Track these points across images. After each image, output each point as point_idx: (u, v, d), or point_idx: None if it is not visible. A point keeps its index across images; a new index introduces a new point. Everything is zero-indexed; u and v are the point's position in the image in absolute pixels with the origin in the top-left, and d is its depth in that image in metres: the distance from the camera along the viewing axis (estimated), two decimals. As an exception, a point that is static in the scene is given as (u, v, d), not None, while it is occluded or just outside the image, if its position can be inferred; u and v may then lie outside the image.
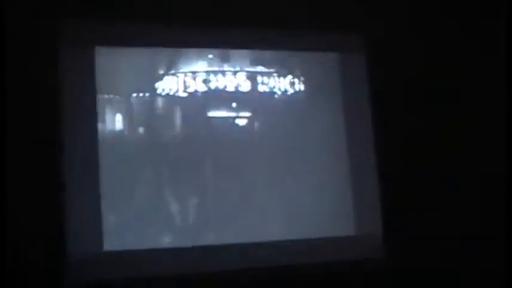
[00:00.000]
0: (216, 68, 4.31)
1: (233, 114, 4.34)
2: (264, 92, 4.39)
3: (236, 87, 4.33)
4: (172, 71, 4.24)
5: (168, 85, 4.21)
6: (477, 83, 4.45)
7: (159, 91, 4.17)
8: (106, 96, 4.01)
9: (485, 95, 4.42)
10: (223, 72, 4.33)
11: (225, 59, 4.35)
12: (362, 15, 4.36)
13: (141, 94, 4.12)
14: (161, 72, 4.23)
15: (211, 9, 4.05)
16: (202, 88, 4.27)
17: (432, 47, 4.48)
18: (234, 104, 4.33)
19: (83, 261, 3.65)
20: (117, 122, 4.02)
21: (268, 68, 4.43)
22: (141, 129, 4.09)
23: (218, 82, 4.31)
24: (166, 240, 3.98)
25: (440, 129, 4.40)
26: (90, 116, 3.82)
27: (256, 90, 4.37)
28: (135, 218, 3.94)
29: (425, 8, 4.49)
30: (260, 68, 4.42)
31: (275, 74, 4.42)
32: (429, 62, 4.45)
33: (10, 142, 3.56)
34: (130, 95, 4.10)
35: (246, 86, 4.36)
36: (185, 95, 4.22)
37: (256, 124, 4.36)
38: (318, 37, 4.30)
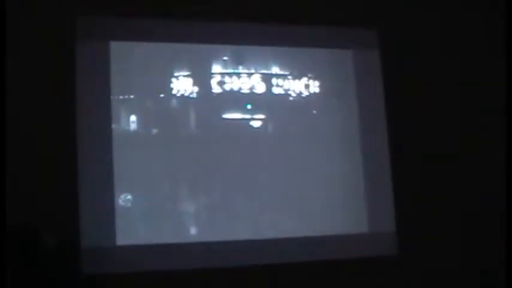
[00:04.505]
0: (231, 70, 4.34)
1: (248, 115, 4.36)
2: (279, 94, 4.40)
3: (251, 89, 4.35)
4: (188, 73, 4.27)
5: (184, 86, 4.25)
6: (491, 81, 4.43)
7: (174, 92, 4.20)
8: (121, 96, 4.04)
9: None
10: (238, 74, 4.36)
11: (239, 61, 4.38)
12: (376, 10, 4.40)
13: (156, 93, 4.15)
14: (176, 73, 4.26)
15: (225, 5, 4.12)
16: (217, 90, 4.29)
17: (447, 42, 4.49)
18: (248, 106, 4.35)
19: (96, 256, 3.70)
20: (131, 120, 4.05)
21: (283, 69, 4.45)
22: (155, 128, 4.12)
23: (233, 84, 4.32)
24: (179, 236, 3.99)
25: (455, 127, 4.39)
26: (105, 111, 3.89)
27: (271, 91, 4.38)
28: (148, 214, 3.97)
29: (440, 3, 4.51)
30: (275, 70, 4.45)
31: (289, 76, 4.44)
32: (443, 58, 4.46)
33: (26, 135, 3.68)
34: (145, 94, 4.13)
35: (260, 88, 4.37)
36: (200, 96, 4.24)
37: (270, 125, 4.36)
38: (331, 33, 4.34)
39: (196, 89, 4.25)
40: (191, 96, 4.24)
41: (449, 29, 4.51)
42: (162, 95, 4.19)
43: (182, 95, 4.22)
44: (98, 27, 3.93)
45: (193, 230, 4.07)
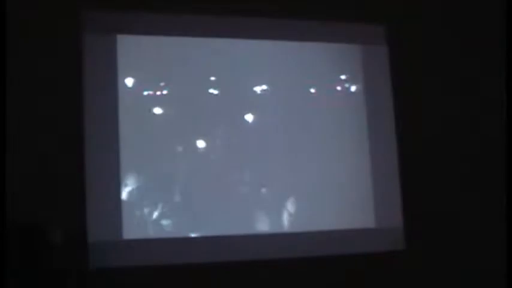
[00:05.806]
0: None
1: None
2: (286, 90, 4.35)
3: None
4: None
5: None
6: (495, 80, 4.39)
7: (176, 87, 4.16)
8: (128, 89, 4.03)
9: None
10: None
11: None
12: (383, 6, 4.36)
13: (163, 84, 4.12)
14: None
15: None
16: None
17: (455, 38, 4.46)
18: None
19: (102, 249, 3.71)
20: (138, 114, 4.03)
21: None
22: (161, 122, 4.10)
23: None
24: (186, 230, 4.00)
25: (462, 123, 4.38)
26: (112, 105, 3.87)
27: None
28: (153, 208, 3.97)
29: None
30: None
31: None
32: (452, 53, 4.44)
33: (32, 129, 3.68)
34: (151, 85, 4.10)
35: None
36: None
37: (277, 121, 4.32)
38: (339, 28, 4.31)
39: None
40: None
41: (453, 28, 4.48)
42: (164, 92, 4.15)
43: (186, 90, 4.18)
44: (104, 20, 3.90)
45: (201, 224, 4.05)
